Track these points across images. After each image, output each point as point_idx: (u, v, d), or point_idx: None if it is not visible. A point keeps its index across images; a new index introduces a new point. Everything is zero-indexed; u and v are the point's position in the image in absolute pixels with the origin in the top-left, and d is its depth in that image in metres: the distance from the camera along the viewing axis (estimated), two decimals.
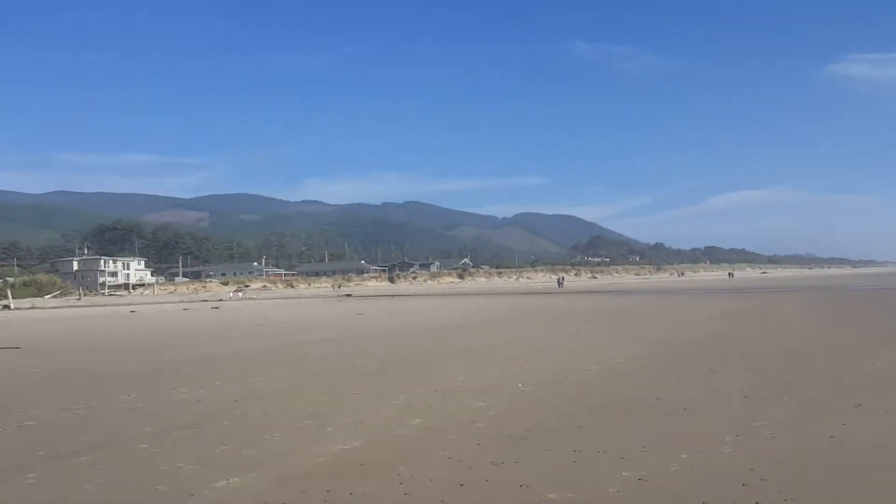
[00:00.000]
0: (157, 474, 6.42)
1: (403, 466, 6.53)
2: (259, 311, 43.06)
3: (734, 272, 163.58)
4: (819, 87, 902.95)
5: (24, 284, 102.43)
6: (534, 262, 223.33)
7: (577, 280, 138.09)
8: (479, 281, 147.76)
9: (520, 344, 17.59)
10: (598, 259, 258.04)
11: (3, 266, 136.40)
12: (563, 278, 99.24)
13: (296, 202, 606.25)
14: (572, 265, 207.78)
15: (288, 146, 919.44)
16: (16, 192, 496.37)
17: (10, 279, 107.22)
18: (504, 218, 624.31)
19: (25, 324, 36.40)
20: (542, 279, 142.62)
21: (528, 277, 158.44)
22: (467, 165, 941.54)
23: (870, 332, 20.06)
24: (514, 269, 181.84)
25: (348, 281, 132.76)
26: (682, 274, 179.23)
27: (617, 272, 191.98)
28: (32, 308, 69.22)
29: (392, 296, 77.62)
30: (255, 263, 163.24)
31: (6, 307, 70.98)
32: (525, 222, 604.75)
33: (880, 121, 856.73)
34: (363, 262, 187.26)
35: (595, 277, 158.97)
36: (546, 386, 10.94)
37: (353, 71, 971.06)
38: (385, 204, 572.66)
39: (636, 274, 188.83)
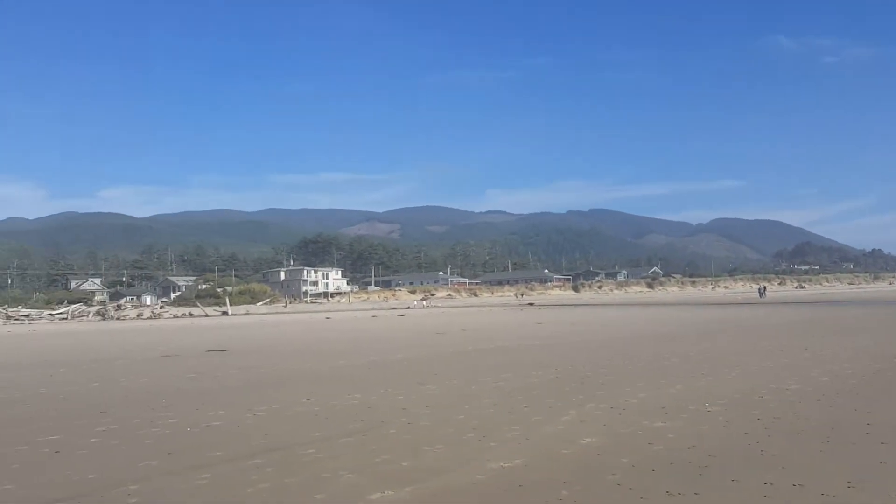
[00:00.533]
0: (318, 482, 6.44)
1: (566, 490, 6.02)
2: (441, 319, 44.02)
3: None
4: None
5: (240, 293, 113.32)
6: (732, 271, 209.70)
7: (781, 290, 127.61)
8: (670, 290, 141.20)
9: (710, 357, 16.23)
10: (806, 267, 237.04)
11: (223, 276, 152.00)
12: (764, 288, 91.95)
13: (480, 213, 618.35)
14: (776, 274, 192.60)
15: (472, 159, 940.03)
16: (236, 211, 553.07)
17: (229, 288, 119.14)
18: (699, 224, 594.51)
19: (236, 328, 39.99)
20: (742, 289, 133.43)
21: (725, 287, 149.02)
22: (658, 170, 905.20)
23: None
24: (709, 278, 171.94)
25: (531, 290, 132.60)
26: None
27: (827, 281, 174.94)
28: (246, 314, 76.24)
29: (575, 305, 76.26)
30: (441, 273, 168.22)
31: (225, 313, 78.82)
32: (722, 228, 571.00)
33: None
34: (546, 270, 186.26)
35: (802, 287, 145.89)
36: (737, 406, 9.84)
37: (539, 82, 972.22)
38: (569, 212, 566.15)
39: (849, 283, 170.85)
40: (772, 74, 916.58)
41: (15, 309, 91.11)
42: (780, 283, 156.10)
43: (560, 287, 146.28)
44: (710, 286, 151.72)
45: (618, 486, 6.14)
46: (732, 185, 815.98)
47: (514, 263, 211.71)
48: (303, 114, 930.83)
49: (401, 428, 8.81)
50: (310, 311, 77.49)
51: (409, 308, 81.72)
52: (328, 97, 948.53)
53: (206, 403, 11.13)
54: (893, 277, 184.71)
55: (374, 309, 79.63)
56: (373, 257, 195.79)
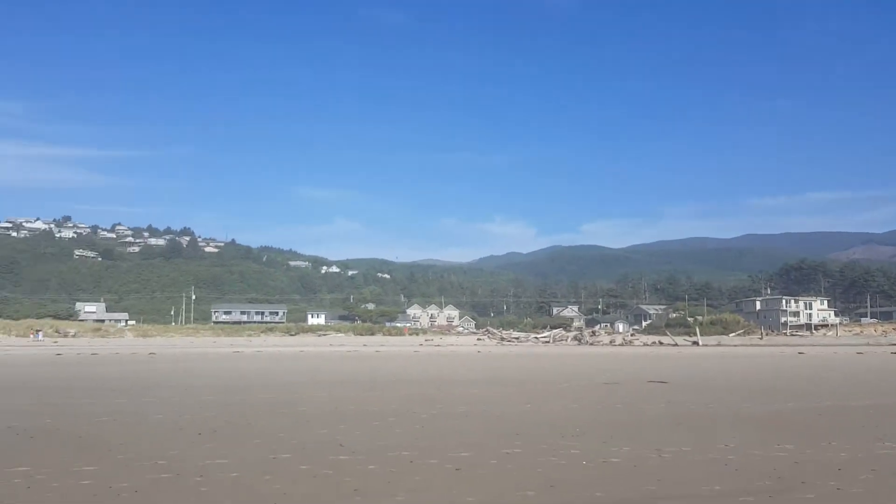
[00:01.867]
0: None
1: None
2: None
3: None
4: None
5: (711, 323, 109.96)
6: None
7: None
8: None
9: None
10: None
11: (695, 305, 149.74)
12: None
13: None
14: None
15: None
16: (711, 238, 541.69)
17: (699, 318, 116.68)
18: None
19: (692, 359, 38.65)
20: None
21: None
22: None
23: None
24: None
25: None
26: None
27: None
28: (718, 345, 73.58)
29: None
30: None
31: (695, 343, 77.40)
32: None
33: None
34: None
35: None
36: None
37: None
38: None
39: None
40: None
41: (507, 332, 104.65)
42: None
43: None
44: None
45: None
46: None
47: None
48: (784, 132, 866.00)
49: (825, 494, 7.05)
50: (785, 345, 70.82)
51: None
52: (809, 108, 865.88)
53: (615, 437, 10.70)
54: None
55: (865, 344, 68.90)
56: (869, 285, 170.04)
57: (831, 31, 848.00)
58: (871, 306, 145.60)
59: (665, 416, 13.21)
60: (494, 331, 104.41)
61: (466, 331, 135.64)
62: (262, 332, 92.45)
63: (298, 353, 43.57)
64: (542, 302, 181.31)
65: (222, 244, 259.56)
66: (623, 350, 59.66)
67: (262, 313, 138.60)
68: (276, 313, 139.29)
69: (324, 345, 62.88)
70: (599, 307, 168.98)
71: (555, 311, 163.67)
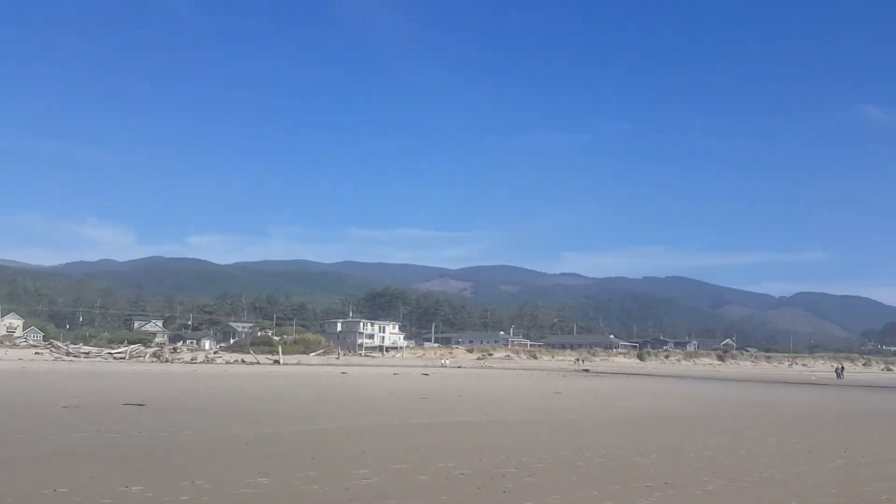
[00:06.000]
0: None
1: None
2: (454, 381, 40.96)
3: None
4: None
5: (294, 342, 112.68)
6: (812, 349, 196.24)
7: (864, 372, 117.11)
8: (743, 365, 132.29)
9: (697, 460, 12.69)
10: None
11: (288, 325, 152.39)
12: (842, 368, 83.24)
13: (554, 274, 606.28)
14: (861, 354, 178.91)
15: (548, 220, 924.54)
16: (315, 262, 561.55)
17: (286, 336, 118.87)
18: (782, 297, 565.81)
19: (241, 378, 38.01)
20: (821, 367, 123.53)
21: (803, 364, 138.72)
22: (740, 239, 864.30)
23: None
24: (786, 354, 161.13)
25: (593, 355, 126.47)
26: None
27: None
28: (298, 364, 75.14)
29: (634, 374, 71.37)
30: (502, 332, 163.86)
31: (276, 362, 78.01)
32: (807, 302, 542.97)
33: None
34: (612, 336, 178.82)
35: (889, 369, 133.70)
36: None
37: (618, 146, 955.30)
38: (645, 278, 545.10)
39: None
40: (858, 145, 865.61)
41: (76, 346, 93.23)
42: (864, 364, 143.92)
43: (625, 354, 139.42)
44: (787, 363, 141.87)
45: None
46: (817, 257, 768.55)
47: (580, 327, 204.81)
48: (384, 171, 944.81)
49: None
50: (350, 365, 75.49)
51: (442, 366, 79.53)
52: (408, 155, 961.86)
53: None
54: None
55: (426, 366, 77.05)
56: (438, 313, 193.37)
57: (429, 81, 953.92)
58: (435, 332, 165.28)
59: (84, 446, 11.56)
60: (60, 344, 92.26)
61: (25, 343, 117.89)
62: None
63: None
64: (130, 315, 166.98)
65: None
66: (202, 367, 57.54)
67: None
68: None
69: None
70: (189, 323, 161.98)
71: (137, 325, 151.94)
